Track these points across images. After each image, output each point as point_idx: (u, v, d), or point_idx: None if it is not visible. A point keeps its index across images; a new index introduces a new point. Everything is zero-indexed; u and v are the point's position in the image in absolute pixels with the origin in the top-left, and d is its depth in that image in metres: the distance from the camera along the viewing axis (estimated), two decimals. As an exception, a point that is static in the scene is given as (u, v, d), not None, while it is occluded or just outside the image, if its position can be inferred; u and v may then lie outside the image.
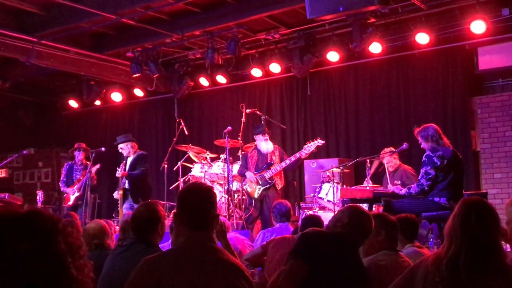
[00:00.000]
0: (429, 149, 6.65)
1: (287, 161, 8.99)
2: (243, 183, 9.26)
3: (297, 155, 9.04)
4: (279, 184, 9.18)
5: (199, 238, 2.88)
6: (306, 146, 9.05)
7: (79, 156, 10.19)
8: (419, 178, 6.78)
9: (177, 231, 3.03)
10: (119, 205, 9.26)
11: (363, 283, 3.50)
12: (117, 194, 9.28)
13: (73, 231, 1.51)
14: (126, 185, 9.28)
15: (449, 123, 9.86)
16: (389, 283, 3.73)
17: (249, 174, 9.11)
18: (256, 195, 9.04)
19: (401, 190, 6.97)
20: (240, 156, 9.48)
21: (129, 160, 9.41)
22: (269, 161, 9.10)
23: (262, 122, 9.85)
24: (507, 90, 9.88)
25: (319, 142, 9.01)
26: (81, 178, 9.84)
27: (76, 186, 9.90)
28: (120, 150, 9.51)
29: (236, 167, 9.71)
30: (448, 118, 9.91)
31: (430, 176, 6.56)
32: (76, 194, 9.87)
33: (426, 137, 6.71)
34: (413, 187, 6.74)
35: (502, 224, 4.59)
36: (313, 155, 10.88)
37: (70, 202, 9.89)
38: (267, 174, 9.00)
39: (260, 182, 9.02)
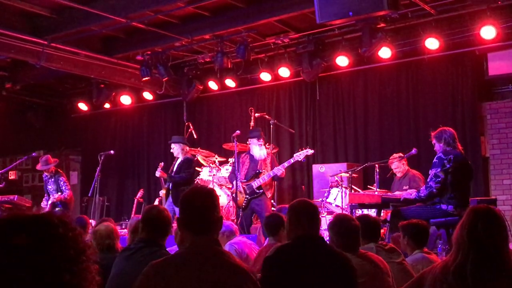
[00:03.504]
0: (441, 151, 6.61)
1: (275, 170, 8.67)
2: (231, 190, 8.98)
3: (285, 164, 8.75)
4: (269, 193, 8.87)
5: (205, 242, 2.88)
6: (295, 155, 8.82)
7: (45, 169, 10.16)
8: (428, 180, 6.70)
9: (182, 236, 3.01)
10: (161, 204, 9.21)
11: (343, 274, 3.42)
12: (161, 194, 9.34)
13: (76, 235, 1.49)
14: (170, 186, 9.28)
15: (459, 129, 9.78)
16: None
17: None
18: (242, 204, 8.75)
19: (410, 194, 6.92)
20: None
21: (178, 161, 9.43)
22: (258, 169, 8.79)
23: (271, 127, 9.82)
24: (517, 96, 9.85)
25: (308, 151, 8.77)
26: (59, 193, 9.79)
27: (50, 201, 9.90)
28: (171, 150, 9.54)
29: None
30: (458, 123, 9.85)
31: (439, 179, 6.50)
32: (46, 210, 9.84)
33: (440, 137, 6.69)
34: (422, 190, 6.70)
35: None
36: (322, 160, 10.90)
37: None
38: (255, 184, 8.69)
39: (248, 192, 8.72)
